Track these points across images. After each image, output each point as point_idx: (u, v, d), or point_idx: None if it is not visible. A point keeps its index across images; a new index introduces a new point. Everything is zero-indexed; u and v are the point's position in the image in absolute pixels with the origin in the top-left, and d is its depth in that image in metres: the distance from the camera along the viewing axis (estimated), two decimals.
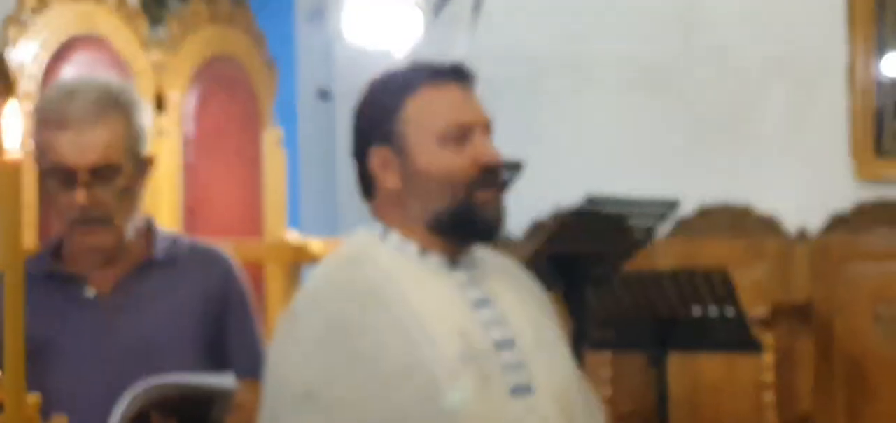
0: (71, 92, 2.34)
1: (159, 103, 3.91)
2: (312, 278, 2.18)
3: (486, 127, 2.17)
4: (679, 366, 5.47)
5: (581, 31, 5.80)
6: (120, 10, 3.78)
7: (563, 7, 5.84)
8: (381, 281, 2.09)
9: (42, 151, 2.34)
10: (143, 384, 2.11)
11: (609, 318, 4.04)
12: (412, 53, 3.43)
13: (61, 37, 3.59)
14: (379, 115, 2.14)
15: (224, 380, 2.18)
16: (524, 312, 2.19)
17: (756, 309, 4.95)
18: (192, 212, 4.01)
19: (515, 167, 3.29)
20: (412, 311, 2.06)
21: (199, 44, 4.07)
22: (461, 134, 2.11)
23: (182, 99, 3.98)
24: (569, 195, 3.64)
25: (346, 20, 3.76)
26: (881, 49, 5.16)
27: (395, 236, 2.15)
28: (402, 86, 2.14)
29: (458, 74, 2.18)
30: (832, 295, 5.27)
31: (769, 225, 5.45)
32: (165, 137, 3.89)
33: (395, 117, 2.12)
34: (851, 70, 5.22)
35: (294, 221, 5.98)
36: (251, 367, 2.42)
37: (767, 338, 4.85)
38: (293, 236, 4.30)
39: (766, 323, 4.87)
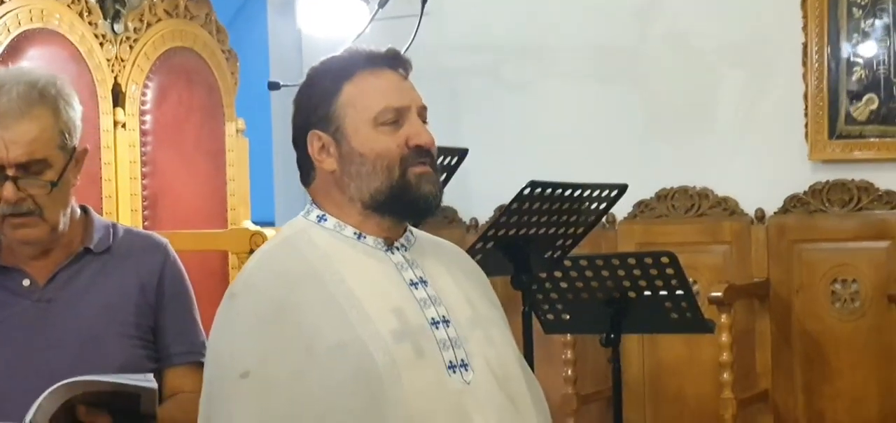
0: None
1: (117, 97, 3.96)
2: (250, 261, 2.22)
3: (421, 111, 2.24)
4: (640, 346, 5.58)
5: (540, 19, 5.87)
6: (75, 4, 3.82)
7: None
8: (317, 262, 2.15)
9: None
10: (63, 383, 2.13)
11: (563, 301, 4.10)
12: (365, 43, 3.49)
13: (15, 31, 3.61)
14: (317, 100, 2.20)
15: (145, 381, 2.22)
16: (461, 292, 2.26)
17: (712, 290, 5.06)
18: (152, 202, 4.06)
19: (461, 153, 3.34)
20: (348, 290, 2.12)
21: (157, 37, 4.12)
22: (396, 117, 2.19)
23: (140, 92, 4.03)
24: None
25: (301, 12, 3.82)
26: (834, 33, 5.25)
27: (332, 220, 2.21)
28: (339, 71, 2.21)
29: (393, 61, 2.25)
30: (789, 275, 5.36)
31: (727, 207, 5.54)
32: (124, 130, 3.94)
33: (332, 101, 2.19)
34: (805, 54, 5.30)
35: (268, 210, 6.05)
36: (189, 353, 2.46)
37: (723, 318, 4.94)
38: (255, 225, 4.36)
39: (722, 303, 4.96)
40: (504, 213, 3.45)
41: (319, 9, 3.77)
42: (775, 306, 5.37)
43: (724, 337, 4.96)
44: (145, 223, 4.01)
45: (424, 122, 2.25)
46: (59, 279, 2.44)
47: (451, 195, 6.11)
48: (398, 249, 2.24)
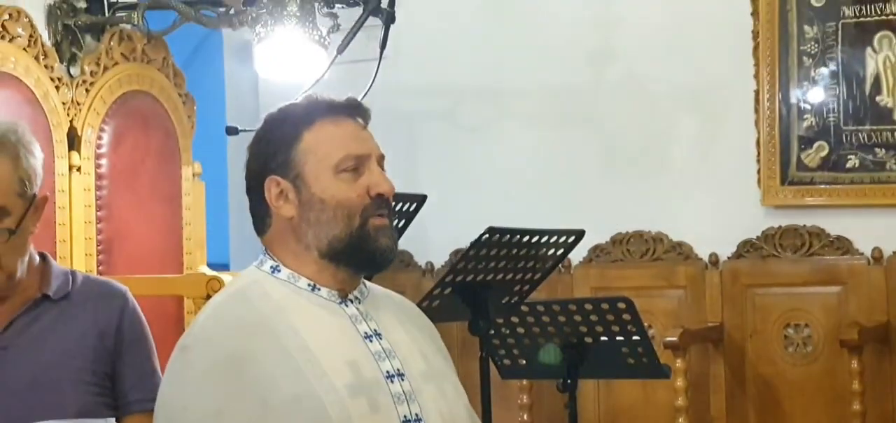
0: None
1: (72, 140, 3.94)
2: (203, 312, 2.19)
3: (380, 159, 2.24)
4: (596, 390, 5.59)
5: (497, 62, 5.90)
6: (31, 48, 3.80)
7: (480, 40, 5.94)
8: (270, 313, 2.13)
9: None
10: None
11: (520, 346, 4.10)
12: (322, 89, 3.49)
13: None
14: (275, 146, 2.19)
15: None
16: (414, 345, 2.25)
17: (667, 334, 5.09)
18: (108, 247, 4.03)
19: (420, 200, 3.34)
20: (302, 342, 2.09)
21: (114, 81, 4.10)
22: (356, 165, 2.18)
23: (95, 135, 4.01)
24: (487, 224, 3.70)
25: (258, 56, 3.82)
26: (785, 81, 5.32)
27: (286, 271, 2.20)
28: (299, 118, 2.20)
29: (353, 110, 2.25)
30: (743, 319, 5.40)
31: (682, 252, 5.58)
32: (79, 174, 3.92)
33: (292, 148, 2.17)
34: (757, 101, 5.37)
35: (223, 253, 6.01)
36: (147, 400, 2.42)
37: (678, 363, 4.97)
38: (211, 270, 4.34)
39: (677, 348, 4.98)
40: (462, 258, 3.46)
41: (277, 53, 3.76)
42: (729, 350, 5.41)
43: (680, 382, 4.99)
44: (100, 268, 3.98)
45: (382, 169, 2.25)
46: (16, 326, 2.42)
47: (407, 240, 6.10)
48: (352, 301, 2.22)
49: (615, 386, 5.53)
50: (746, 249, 5.43)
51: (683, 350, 5.02)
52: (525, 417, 5.34)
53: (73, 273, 2.55)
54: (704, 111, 5.56)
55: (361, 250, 2.18)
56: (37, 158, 2.42)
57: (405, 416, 2.12)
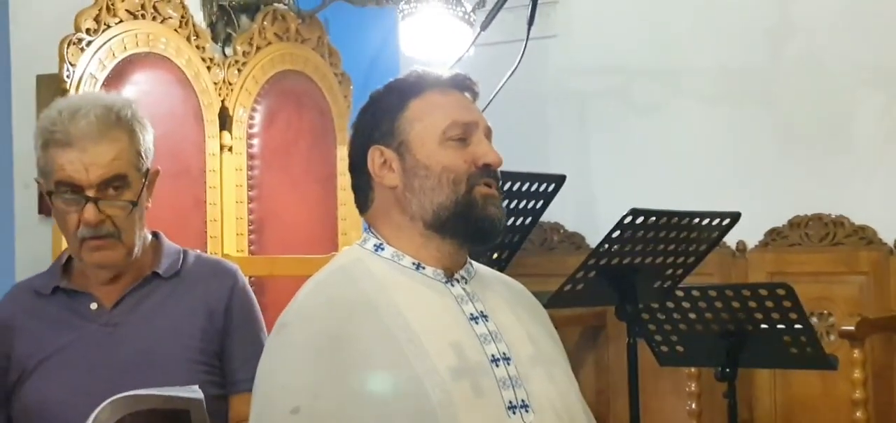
0: (74, 110, 2.35)
1: (224, 120, 3.95)
2: (303, 289, 2.14)
3: (488, 132, 2.17)
4: (772, 380, 5.37)
5: (670, 41, 5.72)
6: (182, 28, 3.83)
7: (653, 18, 5.77)
8: (372, 292, 2.07)
9: (47, 171, 2.36)
10: (109, 400, 2.11)
11: (677, 333, 3.96)
12: (467, 69, 3.41)
13: (120, 56, 3.63)
14: (380, 116, 2.15)
15: (191, 391, 2.19)
16: (522, 328, 2.16)
17: (844, 323, 4.82)
18: (259, 227, 4.04)
19: (559, 180, 3.23)
20: (404, 322, 2.03)
21: (266, 61, 4.10)
22: (463, 134, 2.12)
23: (247, 115, 4.02)
24: (659, 206, 3.57)
25: (403, 34, 3.77)
26: None
27: (390, 249, 2.14)
28: (406, 89, 2.16)
29: (461, 84, 2.20)
30: None
31: (864, 236, 5.29)
32: (230, 154, 3.94)
33: (397, 116, 2.13)
34: None
35: None
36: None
37: (856, 353, 4.71)
38: None
39: (854, 338, 4.72)
40: (605, 240, 3.34)
41: (421, 30, 3.70)
42: None
43: (857, 373, 4.71)
44: (252, 248, 3.99)
45: (490, 141, 2.17)
46: (127, 303, 2.44)
47: (577, 221, 6.04)
48: (458, 281, 2.15)
49: (791, 377, 5.29)
50: None
51: (861, 340, 4.74)
52: (693, 405, 5.16)
53: (185, 252, 2.56)
54: (888, 88, 5.25)
55: (468, 219, 2.10)
56: (150, 133, 2.46)
57: (510, 401, 2.04)
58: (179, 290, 2.48)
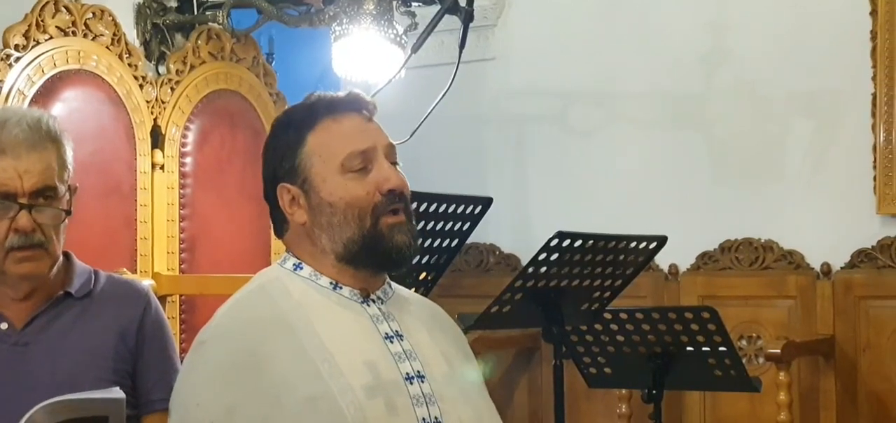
0: (2, 122, 2.33)
1: (156, 139, 3.96)
2: (222, 307, 2.16)
3: (389, 151, 2.17)
4: (701, 402, 5.43)
5: (608, 66, 5.78)
6: (115, 46, 3.83)
7: (591, 43, 5.83)
8: (289, 311, 2.09)
9: None
10: (32, 410, 2.10)
11: (605, 355, 4.00)
12: (398, 91, 3.45)
13: (49, 72, 3.63)
14: (282, 152, 2.16)
15: (111, 393, 2.17)
16: (437, 348, 2.18)
17: (772, 346, 4.89)
18: (190, 245, 4.04)
19: (486, 202, 3.27)
20: (320, 342, 2.05)
21: (199, 80, 4.11)
22: (363, 162, 2.12)
23: (180, 134, 4.03)
24: (595, 230, 3.60)
25: (335, 55, 3.79)
26: None
27: (307, 269, 2.17)
28: (301, 121, 2.16)
29: (356, 104, 2.19)
30: (856, 332, 5.16)
31: (792, 261, 5.37)
32: (162, 172, 3.94)
33: (298, 153, 2.14)
34: (874, 105, 5.13)
35: None
36: (167, 399, 2.40)
37: (781, 376, 4.78)
38: None
39: (780, 360, 4.79)
40: (531, 263, 3.37)
41: (353, 52, 3.73)
42: (841, 364, 5.18)
43: (783, 395, 4.78)
44: (183, 266, 4.00)
45: (394, 161, 2.18)
46: (38, 323, 2.41)
47: (514, 243, 6.08)
48: (375, 301, 2.17)
49: (720, 398, 5.36)
50: (860, 259, 5.19)
51: (787, 363, 4.81)
52: None
53: (96, 272, 2.53)
54: (818, 116, 5.34)
55: (376, 251, 2.12)
56: (71, 148, 2.44)
57: (424, 418, 2.06)
58: (91, 310, 2.45)
